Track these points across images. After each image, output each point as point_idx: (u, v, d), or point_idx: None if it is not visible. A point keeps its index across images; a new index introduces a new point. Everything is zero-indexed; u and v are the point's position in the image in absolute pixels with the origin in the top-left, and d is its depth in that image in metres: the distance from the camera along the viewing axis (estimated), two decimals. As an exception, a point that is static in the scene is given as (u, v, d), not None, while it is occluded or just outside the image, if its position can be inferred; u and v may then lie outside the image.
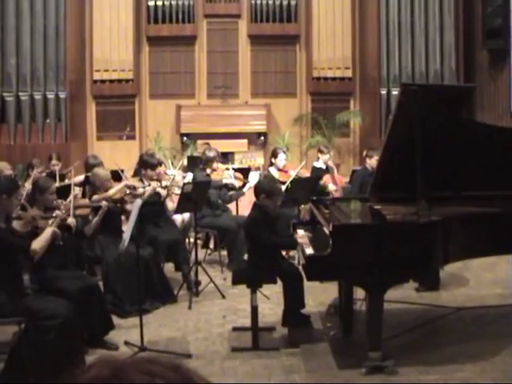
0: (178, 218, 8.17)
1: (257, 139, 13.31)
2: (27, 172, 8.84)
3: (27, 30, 12.34)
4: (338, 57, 13.34)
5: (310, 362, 5.14)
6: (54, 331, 4.61)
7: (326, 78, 13.48)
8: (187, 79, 13.81)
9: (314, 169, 9.59)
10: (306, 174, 9.54)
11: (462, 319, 6.06)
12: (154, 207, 7.19)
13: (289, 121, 13.59)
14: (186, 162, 9.90)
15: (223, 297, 6.87)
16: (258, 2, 13.46)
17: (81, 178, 8.21)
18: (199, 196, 7.14)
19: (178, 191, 7.58)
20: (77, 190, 6.89)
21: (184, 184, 7.32)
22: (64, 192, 6.45)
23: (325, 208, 5.82)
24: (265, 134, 13.31)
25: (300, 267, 5.74)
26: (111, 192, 6.86)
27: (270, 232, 5.63)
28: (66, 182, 8.26)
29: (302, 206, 8.06)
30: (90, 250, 6.97)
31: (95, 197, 6.76)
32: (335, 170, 9.70)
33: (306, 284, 5.61)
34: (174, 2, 13.33)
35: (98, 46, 13.13)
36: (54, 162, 9.16)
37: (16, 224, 5.03)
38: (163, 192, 7.49)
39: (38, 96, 12.37)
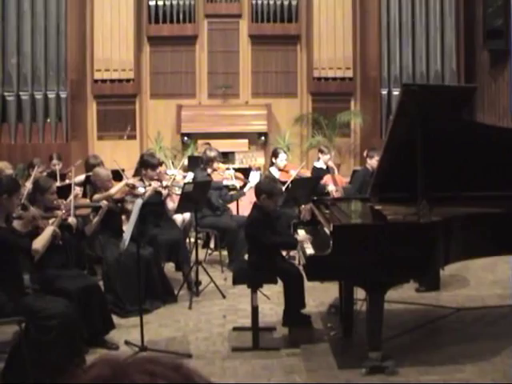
0: (179, 218, 8.18)
1: (257, 139, 13.31)
2: (28, 171, 8.83)
3: (28, 29, 12.33)
4: (338, 57, 13.34)
5: (310, 362, 5.15)
6: (54, 331, 4.61)
7: (326, 78, 13.47)
8: (188, 79, 13.81)
9: (315, 169, 9.59)
10: (307, 173, 9.54)
11: (462, 319, 6.06)
12: (154, 207, 7.19)
13: (289, 121, 13.58)
14: (186, 161, 9.90)
15: (224, 297, 6.87)
16: (259, 1, 13.45)
17: (81, 177, 8.21)
18: (200, 196, 7.14)
19: (178, 191, 7.58)
20: (77, 190, 6.90)
21: (184, 184, 7.32)
22: (64, 192, 6.45)
23: (325, 208, 5.82)
24: (265, 134, 13.30)
25: (300, 267, 5.75)
26: (112, 191, 6.87)
27: (270, 232, 5.63)
28: (67, 181, 8.26)
29: (303, 206, 8.07)
30: (91, 250, 6.98)
31: (96, 196, 6.77)
32: (336, 171, 9.70)
33: (307, 284, 5.62)
34: (174, 2, 13.32)
35: (99, 45, 13.13)
36: (54, 161, 9.16)
37: (16, 224, 5.03)
38: (164, 192, 7.49)
39: (38, 96, 12.37)
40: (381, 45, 12.78)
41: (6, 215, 4.95)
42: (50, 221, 5.20)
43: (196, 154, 11.65)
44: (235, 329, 5.96)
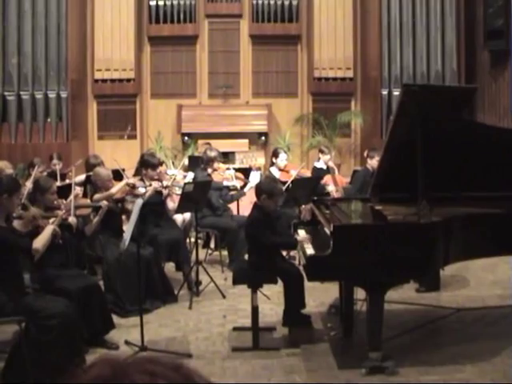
0: (179, 218, 8.18)
1: (258, 139, 13.30)
2: (28, 171, 8.83)
3: (29, 29, 12.33)
4: (339, 57, 13.33)
5: (310, 362, 5.15)
6: (54, 330, 4.62)
7: (327, 79, 13.47)
8: (188, 79, 13.81)
9: (315, 169, 9.59)
10: (307, 174, 9.54)
11: (462, 320, 6.06)
12: (154, 207, 7.19)
13: (290, 121, 13.58)
14: (186, 161, 9.90)
15: (224, 297, 6.87)
16: (260, 1, 13.45)
17: (82, 177, 8.21)
18: (200, 196, 7.14)
19: (178, 191, 7.58)
20: (78, 190, 6.90)
21: (185, 184, 7.32)
22: (65, 191, 6.45)
23: (326, 208, 5.82)
24: (266, 134, 13.30)
25: (301, 267, 5.75)
26: (113, 190, 6.88)
27: (270, 232, 5.63)
28: (67, 181, 8.26)
29: (303, 206, 8.07)
30: (91, 250, 6.98)
31: (97, 195, 6.77)
32: (336, 171, 9.70)
33: (307, 284, 5.62)
34: (175, 2, 13.31)
35: (100, 45, 13.13)
36: (54, 161, 9.16)
37: (16, 223, 5.04)
38: (164, 192, 7.49)
39: (39, 95, 12.37)
40: (381, 45, 12.78)
41: (7, 215, 4.96)
42: (51, 220, 5.20)
43: (196, 153, 11.64)
44: (235, 329, 5.96)
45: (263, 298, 6.10)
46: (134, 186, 7.15)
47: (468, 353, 5.20)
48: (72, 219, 5.41)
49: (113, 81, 13.23)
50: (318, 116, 13.40)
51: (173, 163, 12.28)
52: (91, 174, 7.33)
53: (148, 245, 6.76)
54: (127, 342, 5.54)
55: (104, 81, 13.23)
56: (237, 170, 9.32)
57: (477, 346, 5.34)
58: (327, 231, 4.98)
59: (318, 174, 9.21)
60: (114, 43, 13.08)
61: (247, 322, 5.77)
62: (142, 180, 7.49)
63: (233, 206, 8.83)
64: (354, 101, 13.80)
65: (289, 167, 9.27)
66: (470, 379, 4.75)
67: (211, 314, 6.43)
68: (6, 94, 12.30)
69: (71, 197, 5.69)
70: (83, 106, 13.24)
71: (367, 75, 13.35)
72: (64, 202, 5.71)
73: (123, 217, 6.86)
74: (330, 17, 13.31)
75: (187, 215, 8.25)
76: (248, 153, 12.89)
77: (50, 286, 5.25)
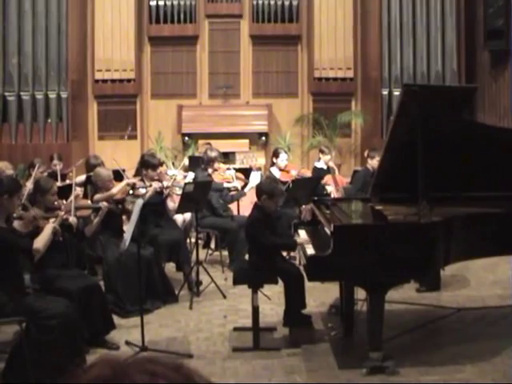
0: (179, 218, 8.18)
1: (258, 139, 13.31)
2: (28, 172, 8.84)
3: (29, 29, 12.34)
4: (339, 57, 13.33)
5: (310, 363, 5.15)
6: (55, 331, 4.62)
7: (327, 79, 13.46)
8: (189, 79, 13.81)
9: (316, 169, 9.60)
10: (308, 174, 9.55)
11: (463, 320, 6.06)
12: (155, 207, 7.20)
13: (290, 121, 13.58)
14: (187, 162, 9.90)
15: (224, 297, 6.87)
16: (260, 2, 13.45)
17: (82, 177, 8.22)
18: (200, 196, 7.14)
19: (179, 191, 7.58)
20: (78, 190, 6.89)
21: (185, 184, 7.33)
22: (65, 192, 6.46)
23: (326, 208, 5.83)
24: (266, 134, 13.30)
25: (301, 267, 5.75)
26: (114, 191, 6.88)
27: (270, 233, 5.63)
28: (67, 181, 8.26)
29: (303, 206, 8.07)
30: (92, 250, 6.98)
31: (97, 196, 6.77)
32: (336, 171, 9.70)
33: (307, 284, 5.62)
34: (175, 2, 13.31)
35: (100, 45, 13.13)
36: (55, 161, 9.16)
37: (17, 224, 5.04)
38: (164, 192, 7.50)
39: (39, 96, 12.37)
40: (382, 45, 12.79)
41: (7, 215, 4.96)
42: (51, 221, 5.20)
43: (197, 154, 11.64)
44: (236, 329, 5.96)
45: (264, 298, 6.10)
46: (134, 187, 7.15)
47: (468, 353, 5.20)
48: (72, 219, 5.41)
49: (113, 81, 13.24)
50: (318, 116, 13.40)
51: (173, 163, 12.28)
52: (91, 174, 7.33)
53: (148, 245, 6.77)
54: (128, 343, 5.54)
55: (104, 81, 13.23)
56: (237, 170, 9.33)
57: (477, 346, 5.34)
58: (327, 231, 4.98)
59: (319, 174, 9.21)
60: (114, 43, 13.08)
61: (248, 322, 5.77)
62: (142, 180, 7.49)
63: (233, 207, 8.83)
64: (354, 101, 13.80)
65: (289, 167, 9.27)
66: (470, 379, 4.75)
67: (212, 314, 6.44)
68: (6, 94, 12.30)
69: (71, 197, 5.70)
70: (83, 106, 13.24)
71: (367, 75, 13.35)
72: (64, 202, 5.72)
73: (124, 217, 6.86)
74: (330, 17, 13.31)
75: (187, 215, 8.25)
76: (248, 153, 12.89)
77: (50, 287, 5.25)
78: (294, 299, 5.68)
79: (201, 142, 12.63)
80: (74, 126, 12.61)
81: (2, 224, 4.83)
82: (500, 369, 4.90)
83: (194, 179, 8.21)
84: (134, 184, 7.23)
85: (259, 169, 9.98)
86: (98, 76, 13.21)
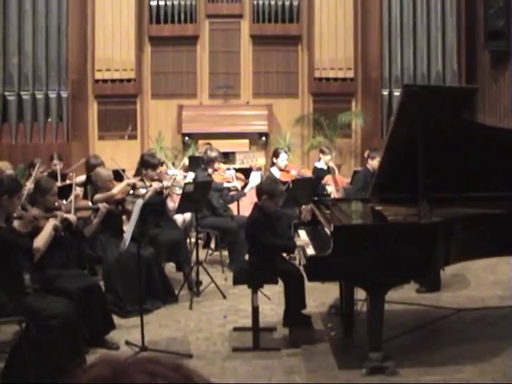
0: (179, 218, 8.18)
1: (258, 139, 13.31)
2: (28, 171, 8.84)
3: (29, 29, 12.34)
4: (339, 57, 13.34)
5: (310, 363, 5.15)
6: (54, 331, 4.62)
7: (327, 79, 13.47)
8: (189, 79, 13.81)
9: (316, 169, 9.60)
10: (308, 174, 9.55)
11: (463, 320, 6.06)
12: (155, 207, 7.20)
13: (290, 121, 13.58)
14: (187, 162, 9.90)
15: (224, 297, 6.87)
16: (260, 2, 13.45)
17: (82, 178, 8.22)
18: (200, 196, 7.14)
19: (179, 191, 7.58)
20: (78, 190, 6.89)
21: (185, 184, 7.32)
22: (65, 192, 6.46)
23: (326, 208, 5.83)
24: (266, 135, 13.30)
25: (301, 267, 5.75)
26: (114, 191, 6.88)
27: (270, 233, 5.63)
28: (67, 181, 8.26)
29: (303, 206, 8.07)
30: (92, 250, 6.98)
31: (97, 196, 6.77)
32: (336, 171, 9.71)
33: (307, 284, 5.62)
34: (176, 2, 13.32)
35: (100, 45, 13.13)
36: (55, 161, 9.16)
37: (17, 224, 5.04)
38: (164, 192, 7.50)
39: (39, 95, 12.38)
40: (382, 45, 12.79)
41: (7, 215, 4.96)
42: (51, 220, 5.20)
43: (197, 154, 11.64)
44: (236, 329, 5.96)
45: (264, 299, 6.10)
46: (134, 187, 7.15)
47: (468, 353, 5.20)
48: (72, 216, 5.40)
49: (113, 81, 13.24)
50: (318, 116, 13.41)
51: (173, 163, 12.28)
52: (92, 174, 7.33)
53: (148, 245, 6.76)
54: (128, 343, 5.54)
55: (104, 81, 13.24)
56: (237, 170, 9.33)
57: (477, 347, 5.34)
58: (327, 231, 4.98)
59: (319, 174, 9.22)
60: (114, 43, 13.08)
61: (248, 323, 5.76)
62: (142, 180, 7.49)
63: (233, 207, 8.83)
64: (354, 101, 13.81)
65: (289, 167, 9.28)
66: (470, 379, 4.75)
67: (212, 314, 6.44)
68: (6, 94, 12.31)
69: (71, 197, 5.70)
70: (84, 106, 13.25)
71: (368, 75, 13.35)
72: (64, 202, 5.72)
73: (124, 217, 6.86)
74: (330, 17, 13.31)
75: (187, 215, 8.25)
76: (248, 153, 12.89)
77: (50, 286, 5.25)
78: (294, 299, 5.68)
79: (201, 142, 12.64)
80: (74, 125, 12.62)
81: (1, 224, 4.83)
82: (500, 369, 4.90)
83: (194, 179, 8.21)
84: (135, 184, 7.23)
85: (259, 169, 9.98)
86: (98, 76, 13.22)
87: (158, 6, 13.35)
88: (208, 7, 13.59)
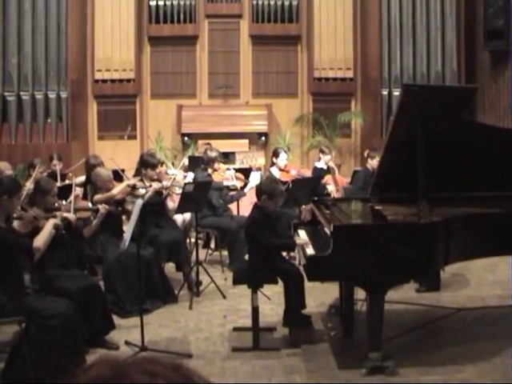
0: (179, 218, 8.18)
1: (258, 139, 13.31)
2: (28, 172, 8.84)
3: (29, 29, 12.34)
4: (339, 57, 13.34)
5: (310, 363, 5.15)
6: (54, 331, 4.62)
7: (327, 79, 13.47)
8: (188, 79, 13.81)
9: (316, 169, 9.60)
10: (308, 173, 9.56)
11: (463, 320, 6.06)
12: (155, 207, 7.19)
13: (290, 121, 13.59)
14: (187, 162, 9.90)
15: (224, 297, 6.87)
16: (260, 2, 13.45)
17: (82, 178, 8.22)
18: (200, 196, 7.14)
19: (179, 191, 7.59)
20: (77, 190, 6.89)
21: (185, 184, 7.32)
22: (65, 192, 6.46)
23: (326, 208, 5.82)
24: (266, 135, 13.30)
25: (301, 267, 5.75)
26: (114, 192, 6.87)
27: (269, 233, 5.63)
28: (67, 182, 8.26)
29: (303, 206, 8.07)
30: (91, 250, 6.98)
31: (97, 196, 6.77)
32: (336, 171, 9.71)
33: (307, 284, 5.62)
34: (175, 2, 13.32)
35: (100, 45, 13.13)
36: (55, 161, 9.16)
37: (16, 224, 5.04)
38: (164, 192, 7.49)
39: (39, 95, 12.38)
40: (381, 45, 12.80)
41: (7, 216, 4.96)
42: (51, 219, 5.20)
43: (196, 154, 11.64)
44: (235, 329, 5.96)
45: (263, 299, 6.10)
46: (134, 187, 7.15)
47: (468, 353, 5.20)
48: (72, 215, 5.39)
49: (113, 81, 13.24)
50: (318, 116, 13.41)
51: (173, 164, 12.29)
52: (91, 174, 7.33)
53: (148, 245, 6.76)
54: (127, 343, 5.54)
55: (104, 81, 13.24)
56: (237, 170, 9.32)
57: (477, 346, 5.34)
58: (327, 231, 4.98)
59: (319, 174, 9.22)
60: (114, 43, 13.08)
61: (247, 323, 5.77)
62: (141, 180, 7.49)
63: (233, 207, 8.83)
64: (354, 101, 13.81)
65: (289, 167, 9.28)
66: (470, 379, 4.75)
67: (211, 314, 6.43)
68: (6, 94, 12.31)
69: (71, 197, 5.70)
70: (83, 106, 13.24)
71: (367, 75, 13.35)
72: (64, 203, 5.72)
73: (123, 217, 6.86)
74: (330, 17, 13.31)
75: (187, 215, 8.25)
76: (248, 153, 12.89)
77: (50, 287, 5.25)
78: (294, 299, 5.68)
79: (200, 142, 12.64)
80: (74, 125, 12.62)
81: (1, 224, 4.83)
82: (500, 369, 4.90)
83: (193, 179, 8.21)
84: (135, 185, 7.22)
85: (259, 169, 9.98)
86: (98, 76, 13.22)
87: (157, 5, 13.35)
88: (207, 7, 13.59)
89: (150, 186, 7.32)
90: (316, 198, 6.29)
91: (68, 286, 5.26)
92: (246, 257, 6.24)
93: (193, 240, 7.88)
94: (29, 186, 7.03)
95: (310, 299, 6.14)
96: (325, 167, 9.54)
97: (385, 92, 12.75)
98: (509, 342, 5.36)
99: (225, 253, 8.20)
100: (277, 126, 13.63)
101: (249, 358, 5.27)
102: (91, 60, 13.23)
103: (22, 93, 12.35)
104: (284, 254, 6.60)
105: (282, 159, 9.13)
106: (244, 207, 8.78)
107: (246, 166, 11.35)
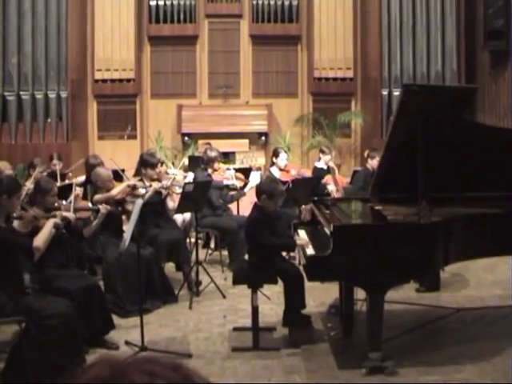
0: (179, 218, 8.18)
1: (258, 139, 13.31)
2: (28, 171, 8.84)
3: (29, 29, 12.34)
4: (339, 57, 13.33)
5: (310, 363, 5.15)
6: (54, 331, 4.62)
7: (327, 79, 13.47)
8: (188, 79, 13.80)
9: (316, 169, 9.61)
10: (308, 173, 9.56)
11: (462, 320, 6.06)
12: (154, 207, 7.19)
13: (290, 121, 13.58)
14: (187, 161, 9.90)
15: (224, 297, 6.87)
16: (260, 2, 13.44)
17: (82, 178, 8.22)
18: (200, 196, 7.14)
19: (178, 190, 7.59)
20: (78, 190, 6.89)
21: (185, 184, 7.32)
22: (65, 191, 6.46)
23: (326, 208, 5.82)
24: (266, 134, 13.30)
25: (301, 267, 5.75)
26: (113, 192, 6.87)
27: (269, 233, 5.63)
28: (67, 181, 8.26)
29: (303, 206, 8.07)
30: (91, 250, 6.98)
31: (97, 197, 6.76)
32: (336, 171, 9.71)
33: (307, 284, 5.62)
34: (175, 2, 13.31)
35: (100, 45, 13.12)
36: (54, 161, 9.16)
37: (16, 224, 5.04)
38: (164, 192, 7.49)
39: (39, 95, 12.37)
40: (381, 45, 12.79)
41: (7, 215, 4.96)
42: (51, 219, 5.20)
43: (196, 154, 11.64)
44: (235, 329, 5.96)
45: (263, 298, 6.10)
46: (135, 187, 7.15)
47: (468, 353, 5.20)
48: (71, 214, 5.39)
49: (113, 81, 13.23)
50: (318, 116, 13.40)
51: (173, 163, 12.28)
52: (91, 174, 7.33)
53: (148, 245, 6.76)
54: (127, 342, 5.54)
55: (104, 81, 13.23)
56: (237, 170, 9.32)
57: (477, 346, 5.34)
58: (327, 231, 4.98)
59: (319, 174, 9.22)
60: (114, 43, 13.08)
61: (247, 322, 5.77)
62: (141, 180, 7.49)
63: (233, 206, 8.83)
64: (354, 101, 13.80)
65: (289, 167, 9.28)
66: (470, 379, 4.75)
67: (211, 314, 6.44)
68: (6, 94, 12.31)
69: (71, 197, 5.70)
70: (83, 106, 13.24)
71: (367, 75, 13.35)
72: (64, 203, 5.72)
73: (123, 217, 6.86)
74: (330, 17, 13.31)
75: (187, 215, 8.25)
76: (248, 153, 12.88)
77: (49, 286, 5.25)
78: (294, 299, 5.68)
79: (200, 141, 12.63)
80: (74, 125, 12.61)
81: (1, 224, 4.83)
82: (500, 369, 4.90)
83: (193, 179, 8.21)
84: (135, 185, 7.22)
85: (259, 169, 9.98)
86: (98, 76, 13.21)
87: (157, 5, 13.34)
88: (207, 7, 13.58)
89: (150, 185, 7.31)
90: (316, 198, 6.29)
91: (68, 286, 5.26)
92: (246, 257, 6.24)
93: (193, 240, 7.88)
94: (29, 185, 7.04)
95: (309, 299, 6.14)
96: (325, 167, 9.54)
97: (385, 92, 12.74)
98: (509, 341, 5.36)
99: (225, 253, 8.20)
100: (277, 125, 13.63)
101: (248, 357, 5.27)
102: (91, 60, 13.23)
103: (21, 92, 12.34)
104: (284, 253, 6.59)
105: (282, 159, 9.13)
106: (244, 207, 8.78)
107: (245, 165, 11.35)
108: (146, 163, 7.58)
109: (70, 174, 9.01)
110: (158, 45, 13.66)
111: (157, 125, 13.54)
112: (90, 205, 6.51)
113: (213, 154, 8.28)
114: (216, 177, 8.29)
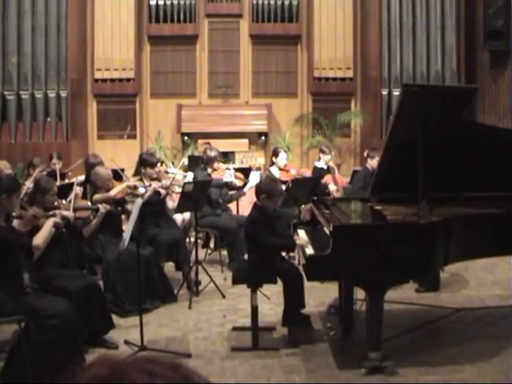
0: (179, 218, 8.17)
1: (258, 139, 13.30)
2: (28, 171, 8.84)
3: (28, 28, 12.32)
4: (339, 57, 13.33)
5: (309, 362, 5.15)
6: (54, 330, 4.62)
7: (327, 78, 13.46)
8: (188, 79, 13.80)
9: (316, 169, 9.61)
10: (307, 173, 9.56)
11: (462, 320, 6.06)
12: (154, 207, 7.19)
13: (290, 121, 13.58)
14: (186, 161, 9.90)
15: (223, 296, 6.87)
16: (260, 1, 13.43)
17: (82, 177, 8.22)
18: (200, 195, 7.14)
19: (178, 189, 7.58)
20: (77, 190, 6.89)
21: (185, 183, 7.32)
22: (64, 191, 6.45)
23: (325, 208, 5.82)
24: (266, 134, 13.29)
25: (300, 267, 5.75)
26: (113, 192, 6.87)
27: (269, 233, 5.63)
28: (67, 181, 8.26)
29: (303, 205, 8.07)
30: (91, 249, 6.98)
31: (97, 196, 6.76)
32: (336, 171, 9.71)
33: (307, 284, 5.62)
34: (175, 2, 13.30)
35: (100, 44, 13.12)
36: (54, 160, 9.16)
37: (16, 223, 5.04)
38: (163, 191, 7.49)
39: (38, 95, 12.36)
40: (381, 45, 12.78)
41: (6, 215, 4.95)
42: (51, 218, 5.20)
43: (196, 153, 11.64)
44: (235, 329, 5.96)
45: (263, 298, 6.10)
46: (134, 188, 7.14)
47: (468, 353, 5.20)
48: (70, 213, 5.39)
49: (112, 80, 13.23)
50: (317, 116, 13.40)
51: (172, 163, 12.27)
52: (91, 173, 7.33)
53: (148, 244, 6.76)
54: (127, 342, 5.54)
55: (104, 80, 13.22)
56: (237, 169, 9.32)
57: (476, 346, 5.34)
58: (327, 231, 4.98)
59: (319, 173, 9.22)
60: (113, 42, 13.07)
61: (247, 322, 5.77)
62: (141, 180, 7.49)
63: (232, 206, 8.83)
64: (353, 101, 13.80)
65: (289, 167, 9.28)
66: (470, 379, 4.75)
67: (211, 313, 6.43)
68: (5, 93, 12.29)
69: (71, 197, 5.69)
70: (83, 105, 13.23)
71: (367, 75, 13.35)
72: (63, 202, 5.71)
73: (123, 216, 6.86)
74: (329, 17, 13.30)
75: (187, 215, 8.25)
76: (248, 153, 12.88)
77: (49, 286, 5.25)
78: (293, 299, 5.67)
79: (200, 141, 12.63)
80: (74, 125, 12.60)
81: (1, 223, 4.82)
82: (499, 369, 4.90)
83: (193, 179, 8.20)
84: (135, 186, 7.21)
85: (259, 168, 9.98)
86: (98, 75, 13.21)
87: (157, 5, 13.33)
88: (207, 7, 13.58)
89: (150, 185, 7.31)
90: (315, 198, 6.29)
91: (67, 286, 5.26)
92: (246, 256, 6.24)
93: (192, 239, 7.88)
94: (28, 184, 7.03)
95: (309, 299, 6.14)
96: (325, 167, 9.54)
97: (384, 92, 12.74)
98: (508, 341, 5.36)
99: (224, 252, 8.20)
100: (276, 125, 13.63)
101: (248, 357, 5.27)
102: (91, 59, 13.22)
103: (21, 92, 12.33)
104: (283, 253, 6.59)
105: (282, 159, 9.13)
106: (244, 207, 8.78)
107: (245, 165, 11.35)
108: (146, 162, 7.58)
109: (70, 174, 9.01)
110: (158, 44, 13.65)
111: (156, 124, 13.54)
112: (89, 204, 6.51)
113: (212, 153, 8.28)
114: (216, 177, 8.28)
